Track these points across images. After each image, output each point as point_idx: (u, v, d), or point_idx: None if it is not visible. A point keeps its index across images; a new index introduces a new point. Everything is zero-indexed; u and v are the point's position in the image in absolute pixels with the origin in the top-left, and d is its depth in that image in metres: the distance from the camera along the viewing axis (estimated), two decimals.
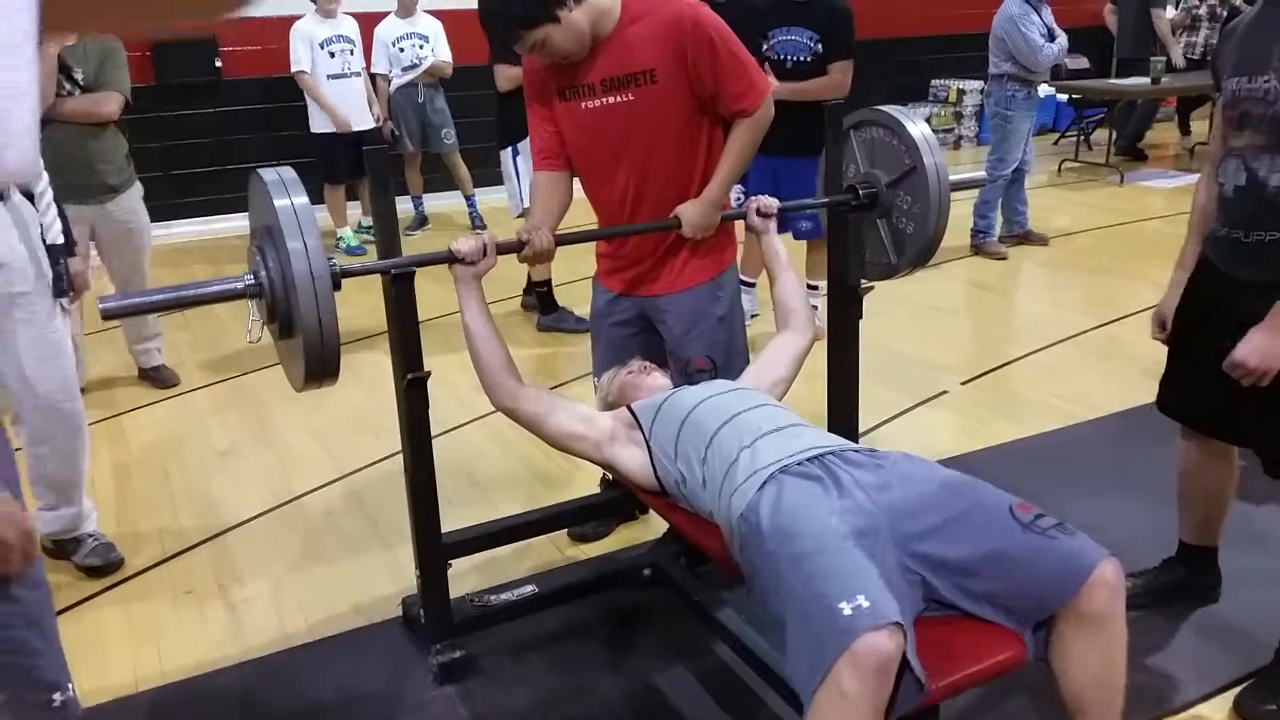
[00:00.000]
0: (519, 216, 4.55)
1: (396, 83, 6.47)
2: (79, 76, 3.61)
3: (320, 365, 1.84)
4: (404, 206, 7.09)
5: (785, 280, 2.46)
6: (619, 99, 2.35)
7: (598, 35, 2.31)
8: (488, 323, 2.18)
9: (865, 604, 1.47)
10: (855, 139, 2.52)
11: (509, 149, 4.57)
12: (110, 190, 3.82)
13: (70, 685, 1.49)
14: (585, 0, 2.25)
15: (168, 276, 5.89)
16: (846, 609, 1.47)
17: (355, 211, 6.70)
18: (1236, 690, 2.19)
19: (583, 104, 2.38)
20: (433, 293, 5.43)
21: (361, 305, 4.30)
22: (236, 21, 6.85)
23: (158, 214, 6.78)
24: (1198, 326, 2.23)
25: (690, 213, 2.41)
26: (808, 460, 1.85)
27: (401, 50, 6.39)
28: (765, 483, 1.81)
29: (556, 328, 4.78)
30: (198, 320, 5.15)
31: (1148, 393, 2.45)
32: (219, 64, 6.92)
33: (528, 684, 2.34)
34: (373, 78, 6.41)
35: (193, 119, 6.96)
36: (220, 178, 7.09)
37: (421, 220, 7.00)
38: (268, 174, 1.90)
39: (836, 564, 1.57)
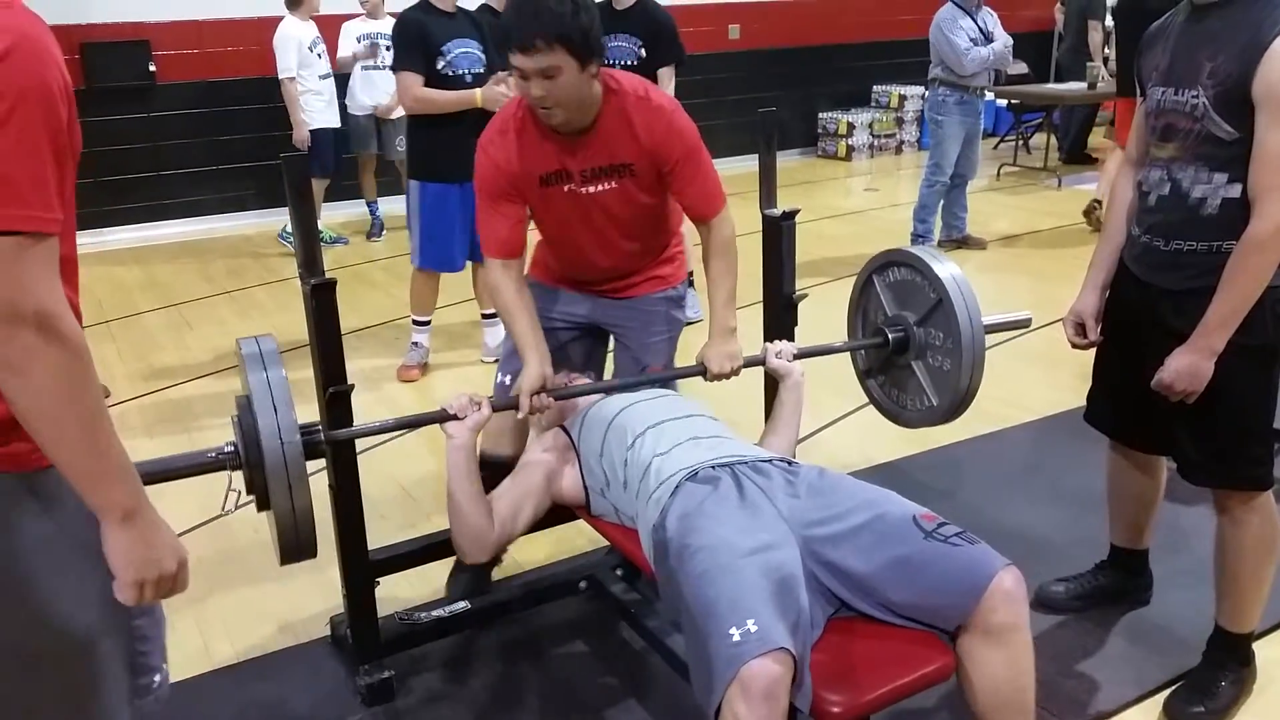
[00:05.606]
0: (421, 269, 4.13)
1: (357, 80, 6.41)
2: None
3: (295, 547, 1.80)
4: (362, 211, 7.00)
5: (783, 440, 2.30)
6: (602, 187, 2.30)
7: (582, 123, 2.21)
8: (477, 495, 2.00)
9: (754, 629, 1.49)
10: (879, 283, 2.46)
11: (416, 183, 3.98)
12: None
13: (165, 665, 1.53)
14: (596, 77, 2.16)
15: (98, 284, 5.75)
16: (735, 635, 1.49)
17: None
18: (1166, 693, 2.21)
19: (564, 187, 2.30)
20: (368, 298, 5.38)
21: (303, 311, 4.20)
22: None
23: (89, 221, 6.64)
24: (1119, 341, 2.25)
25: (713, 352, 2.31)
26: (718, 467, 1.85)
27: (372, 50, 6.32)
28: (675, 491, 1.82)
29: None
30: (124, 331, 5.02)
31: (1082, 395, 2.46)
32: (153, 68, 6.77)
33: (458, 704, 2.29)
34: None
35: (125, 124, 6.80)
36: (155, 184, 6.95)
37: (381, 226, 6.83)
38: (247, 345, 1.82)
39: (730, 585, 1.58)
